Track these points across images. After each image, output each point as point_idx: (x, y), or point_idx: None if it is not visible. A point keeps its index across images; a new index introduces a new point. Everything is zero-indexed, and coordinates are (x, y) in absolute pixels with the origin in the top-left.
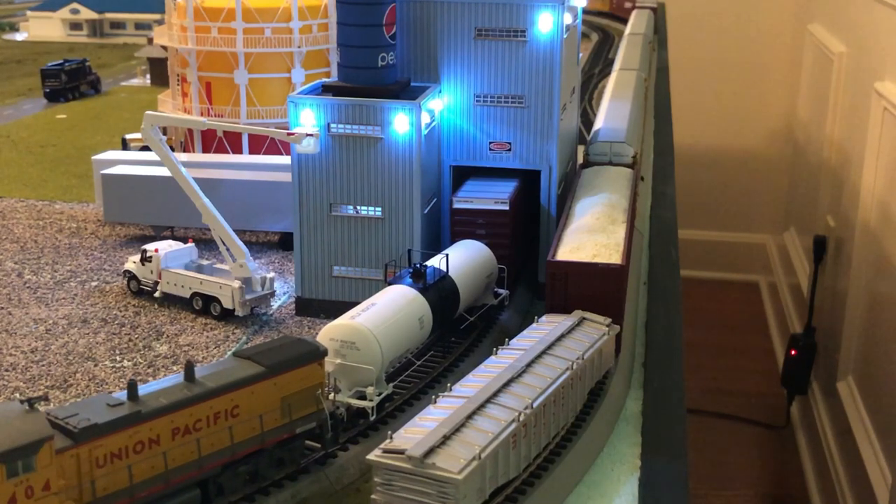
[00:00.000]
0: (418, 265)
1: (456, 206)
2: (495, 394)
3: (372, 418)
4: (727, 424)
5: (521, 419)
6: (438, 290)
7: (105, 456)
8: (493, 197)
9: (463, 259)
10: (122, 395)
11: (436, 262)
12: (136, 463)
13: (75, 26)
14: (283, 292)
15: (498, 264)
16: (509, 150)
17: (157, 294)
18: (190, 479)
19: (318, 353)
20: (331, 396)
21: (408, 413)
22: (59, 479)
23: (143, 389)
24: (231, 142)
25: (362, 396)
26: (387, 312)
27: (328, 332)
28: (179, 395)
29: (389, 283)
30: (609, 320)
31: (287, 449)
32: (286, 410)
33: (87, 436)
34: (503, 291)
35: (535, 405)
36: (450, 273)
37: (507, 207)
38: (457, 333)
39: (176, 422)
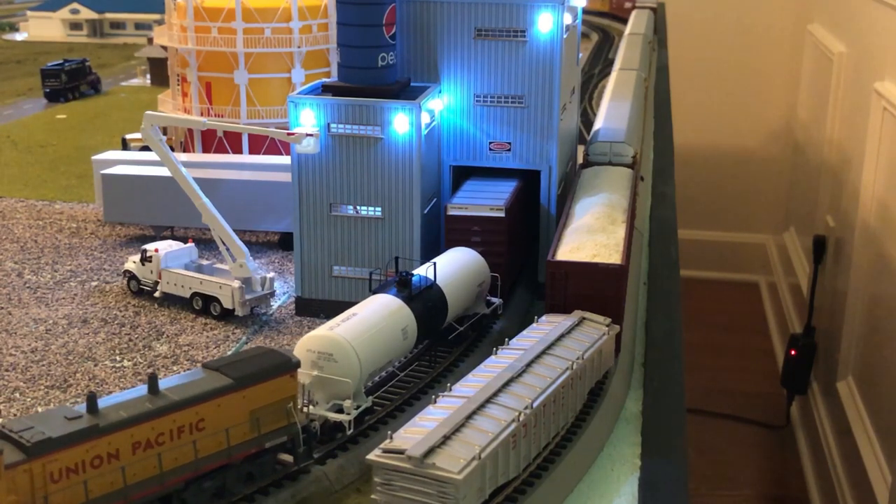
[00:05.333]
0: (404, 273)
1: (450, 213)
2: (495, 394)
3: (349, 432)
4: (727, 424)
5: (521, 419)
6: (424, 300)
7: (60, 471)
8: (489, 203)
9: (453, 267)
10: (82, 407)
11: (424, 270)
12: (94, 478)
13: (75, 26)
14: (283, 292)
15: (493, 272)
16: (509, 150)
17: (157, 294)
18: (151, 494)
19: (290, 365)
20: (305, 409)
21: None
22: (10, 494)
23: (104, 402)
24: (231, 142)
25: (341, 409)
26: (367, 323)
27: (305, 343)
28: (141, 408)
29: (374, 293)
30: (609, 320)
31: (256, 464)
32: (255, 424)
33: (40, 450)
34: (496, 300)
35: (535, 405)
36: (438, 282)
37: (502, 215)
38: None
39: (136, 436)
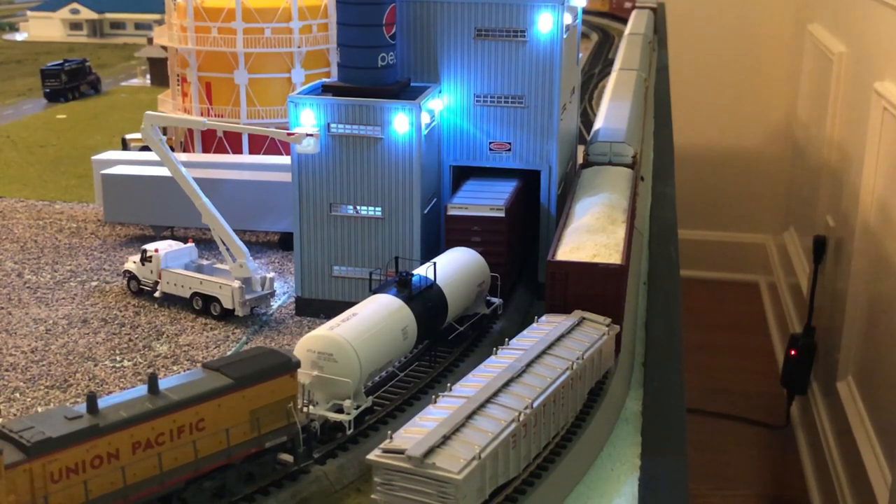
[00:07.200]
0: (404, 273)
1: (450, 213)
2: (495, 394)
3: (349, 432)
4: (727, 424)
5: (521, 419)
6: (424, 300)
7: (60, 471)
8: (489, 203)
9: (453, 267)
10: (82, 407)
11: (424, 270)
12: (94, 478)
13: (75, 26)
14: (283, 292)
15: (493, 272)
16: (509, 150)
17: (157, 294)
18: (151, 494)
19: (290, 365)
20: (305, 409)
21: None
22: (10, 494)
23: (104, 402)
24: (231, 142)
25: (340, 409)
26: (367, 323)
27: (306, 343)
28: (141, 408)
29: (374, 293)
30: (609, 320)
31: (256, 464)
32: (255, 424)
33: (40, 450)
34: (496, 300)
35: (535, 405)
36: (438, 282)
37: (503, 215)
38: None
39: (136, 436)
